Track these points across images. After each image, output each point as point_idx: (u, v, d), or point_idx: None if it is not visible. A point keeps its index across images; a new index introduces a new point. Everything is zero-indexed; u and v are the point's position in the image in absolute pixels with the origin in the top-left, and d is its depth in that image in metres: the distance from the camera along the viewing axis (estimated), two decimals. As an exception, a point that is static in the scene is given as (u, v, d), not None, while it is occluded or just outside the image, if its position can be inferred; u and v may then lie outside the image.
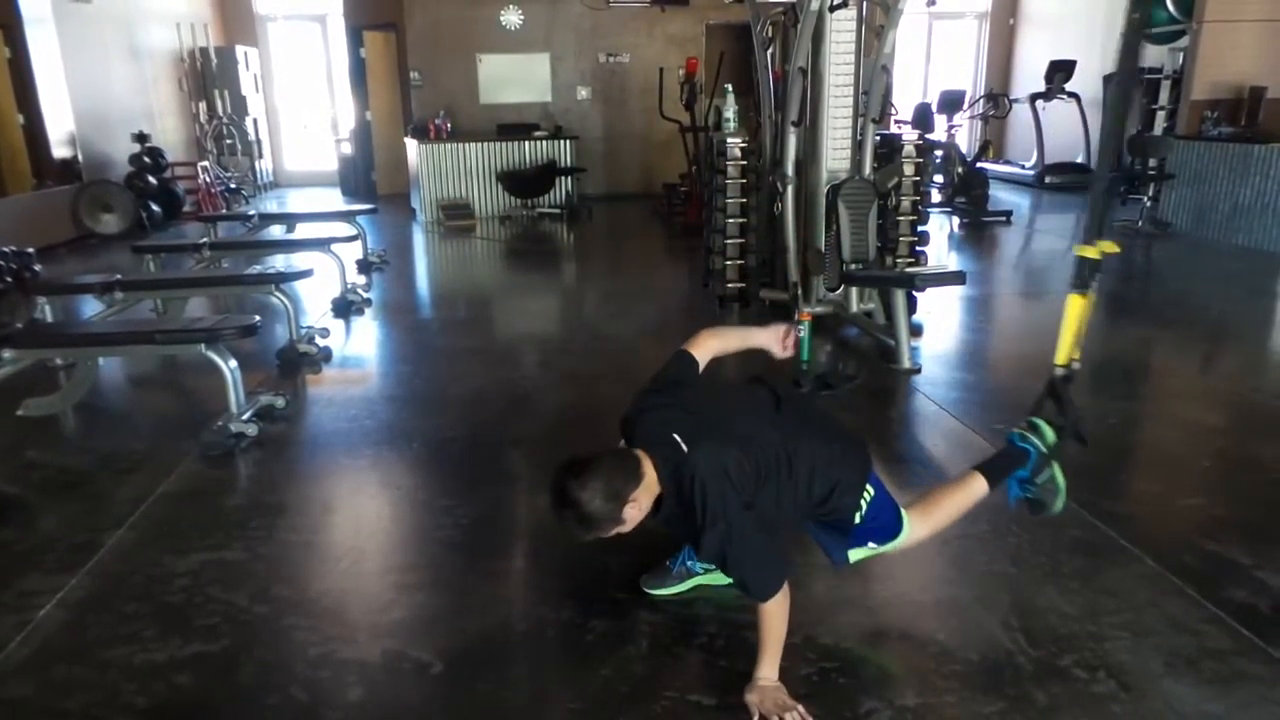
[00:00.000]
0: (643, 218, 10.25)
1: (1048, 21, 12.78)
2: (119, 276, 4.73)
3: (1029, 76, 12.16)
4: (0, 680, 2.19)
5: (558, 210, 10.23)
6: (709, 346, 2.34)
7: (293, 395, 4.23)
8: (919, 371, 4.44)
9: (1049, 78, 10.71)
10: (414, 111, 11.01)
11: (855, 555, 2.27)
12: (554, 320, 6.43)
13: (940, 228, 8.90)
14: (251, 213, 7.49)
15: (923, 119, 10.31)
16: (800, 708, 1.96)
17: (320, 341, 4.96)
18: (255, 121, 12.45)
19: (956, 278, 4.99)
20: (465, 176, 10.02)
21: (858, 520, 2.20)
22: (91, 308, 5.20)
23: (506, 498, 3.20)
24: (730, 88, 6.67)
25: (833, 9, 4.89)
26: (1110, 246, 2.20)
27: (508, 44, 11.02)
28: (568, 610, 2.44)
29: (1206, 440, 3.68)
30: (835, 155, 5.15)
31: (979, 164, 10.05)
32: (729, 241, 5.62)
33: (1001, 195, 10.35)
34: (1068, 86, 10.64)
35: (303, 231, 7.17)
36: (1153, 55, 10.09)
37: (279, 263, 6.08)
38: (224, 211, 10.11)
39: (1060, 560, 2.63)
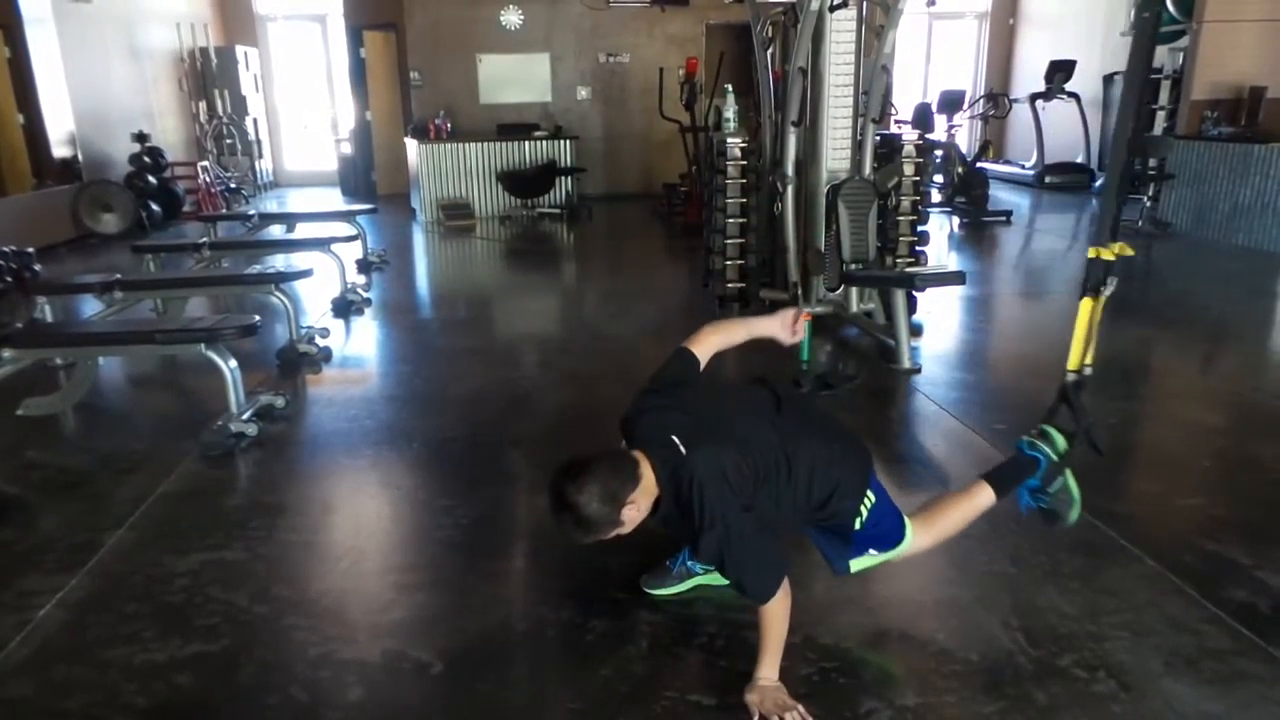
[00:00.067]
0: (643, 218, 10.25)
1: (1048, 21, 12.77)
2: (119, 276, 4.73)
3: (1029, 76, 12.15)
4: (0, 680, 2.19)
5: (558, 210, 10.23)
6: (710, 342, 2.29)
7: (293, 395, 4.23)
8: (919, 371, 4.44)
9: (1049, 78, 10.70)
10: (414, 111, 11.01)
11: (857, 564, 2.24)
12: (554, 320, 6.43)
13: (940, 228, 8.89)
14: (251, 212, 7.49)
15: (923, 119, 10.31)
16: (800, 708, 1.95)
17: (320, 341, 4.96)
18: (255, 121, 12.46)
19: (956, 278, 4.99)
20: (465, 176, 10.02)
21: (858, 526, 2.17)
22: (91, 307, 5.20)
23: (506, 498, 3.20)
24: (730, 88, 6.67)
25: (833, 9, 4.89)
26: (1125, 249, 2.17)
27: (508, 44, 11.02)
28: (568, 610, 2.44)
29: (1206, 440, 3.68)
30: (835, 155, 5.15)
31: (979, 164, 10.05)
32: (729, 241, 5.61)
33: (1001, 195, 10.35)
34: (1067, 86, 10.64)
35: (302, 231, 7.17)
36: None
37: (279, 263, 6.08)
38: (224, 211, 10.11)
39: (1060, 560, 2.63)
